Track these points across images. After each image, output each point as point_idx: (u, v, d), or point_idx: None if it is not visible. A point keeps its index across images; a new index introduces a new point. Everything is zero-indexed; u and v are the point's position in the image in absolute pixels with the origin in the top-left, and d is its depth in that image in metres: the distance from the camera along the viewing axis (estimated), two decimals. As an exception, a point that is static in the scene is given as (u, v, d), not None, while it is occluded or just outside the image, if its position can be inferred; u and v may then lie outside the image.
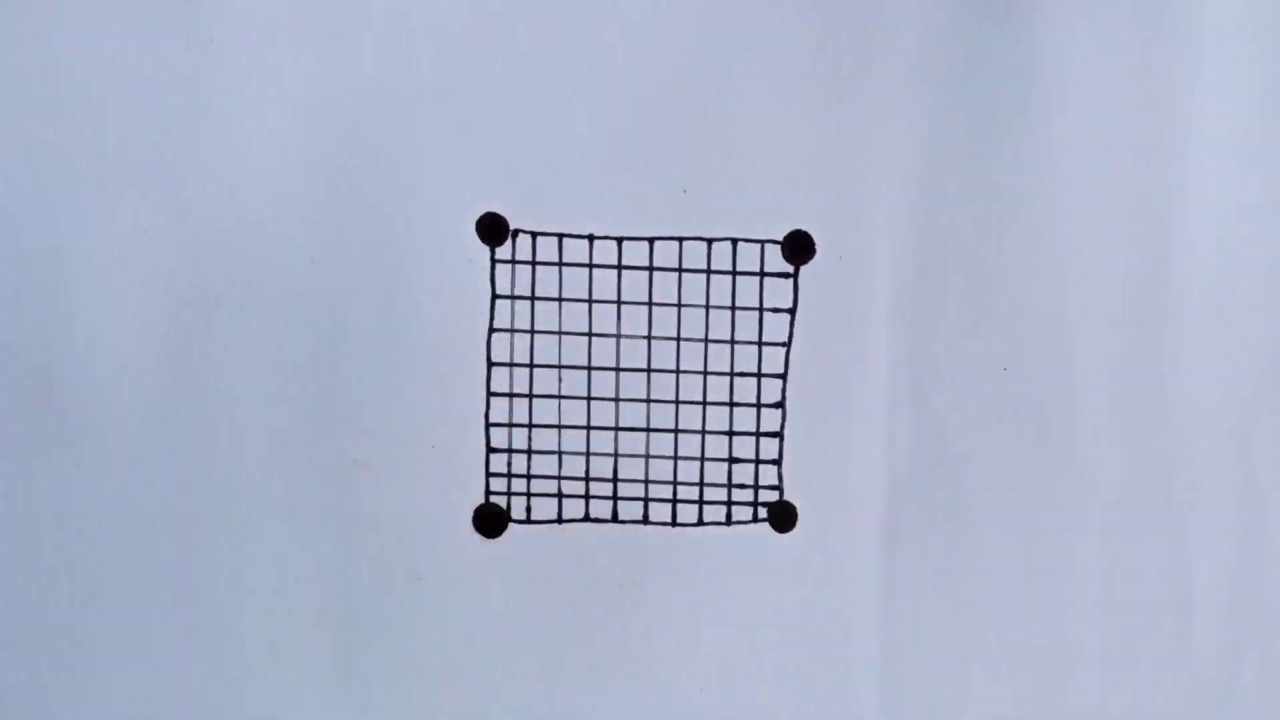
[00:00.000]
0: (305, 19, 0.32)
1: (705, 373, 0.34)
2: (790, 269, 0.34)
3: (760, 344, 0.34)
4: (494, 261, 0.33)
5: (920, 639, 0.35)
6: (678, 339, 0.33)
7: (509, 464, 0.33)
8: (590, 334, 0.33)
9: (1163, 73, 0.34)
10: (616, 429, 0.33)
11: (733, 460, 0.34)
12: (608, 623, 0.34)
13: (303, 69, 0.32)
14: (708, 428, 0.34)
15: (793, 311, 0.34)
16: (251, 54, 0.32)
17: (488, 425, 0.33)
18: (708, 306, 0.33)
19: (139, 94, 0.32)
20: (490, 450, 0.33)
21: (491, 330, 0.33)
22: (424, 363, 0.33)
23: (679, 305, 0.33)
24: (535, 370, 0.33)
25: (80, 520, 0.33)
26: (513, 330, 0.33)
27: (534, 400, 0.33)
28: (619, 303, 0.33)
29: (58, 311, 0.32)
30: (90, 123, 0.32)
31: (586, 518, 0.34)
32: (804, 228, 0.33)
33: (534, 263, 0.33)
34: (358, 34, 0.32)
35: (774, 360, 0.34)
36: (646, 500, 0.34)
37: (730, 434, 0.34)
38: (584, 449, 0.33)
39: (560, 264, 0.33)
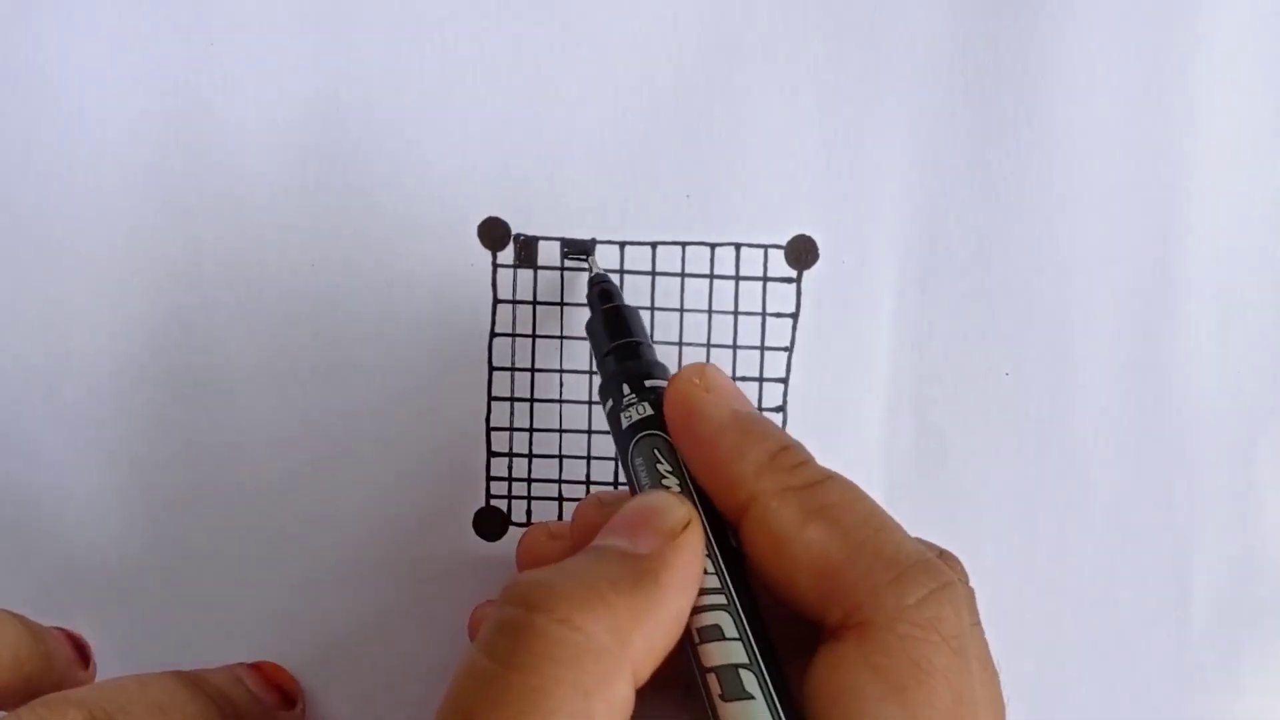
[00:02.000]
0: (306, 22, 0.32)
1: (707, 377, 0.33)
2: (793, 274, 0.33)
3: (762, 349, 0.34)
4: (495, 266, 0.33)
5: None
6: (680, 344, 0.33)
7: (509, 467, 0.33)
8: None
9: (1170, 80, 0.34)
10: (618, 433, 0.33)
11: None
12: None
13: (303, 72, 0.32)
14: (709, 431, 0.34)
15: (795, 316, 0.34)
16: (251, 56, 0.32)
17: (489, 429, 0.33)
18: (710, 311, 0.33)
19: (138, 95, 0.32)
20: (491, 454, 0.33)
21: (493, 335, 0.33)
22: (425, 367, 0.33)
23: (681, 310, 0.33)
24: (537, 374, 0.33)
25: (79, 520, 0.33)
26: (514, 335, 0.33)
27: (535, 404, 0.33)
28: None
29: (58, 312, 0.32)
30: (89, 124, 0.32)
31: (587, 520, 0.34)
32: (807, 233, 0.33)
33: (536, 267, 0.33)
34: (359, 37, 0.32)
35: (776, 365, 0.34)
36: (647, 503, 0.34)
37: (731, 437, 0.34)
38: (585, 453, 0.33)
39: (562, 269, 0.33)
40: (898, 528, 0.24)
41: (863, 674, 0.21)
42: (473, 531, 0.33)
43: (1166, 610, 0.35)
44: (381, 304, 0.32)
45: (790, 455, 0.24)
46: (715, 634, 0.23)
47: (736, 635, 0.23)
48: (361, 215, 0.32)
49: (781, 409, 0.34)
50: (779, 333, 0.34)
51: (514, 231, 0.33)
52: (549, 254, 0.33)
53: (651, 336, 0.33)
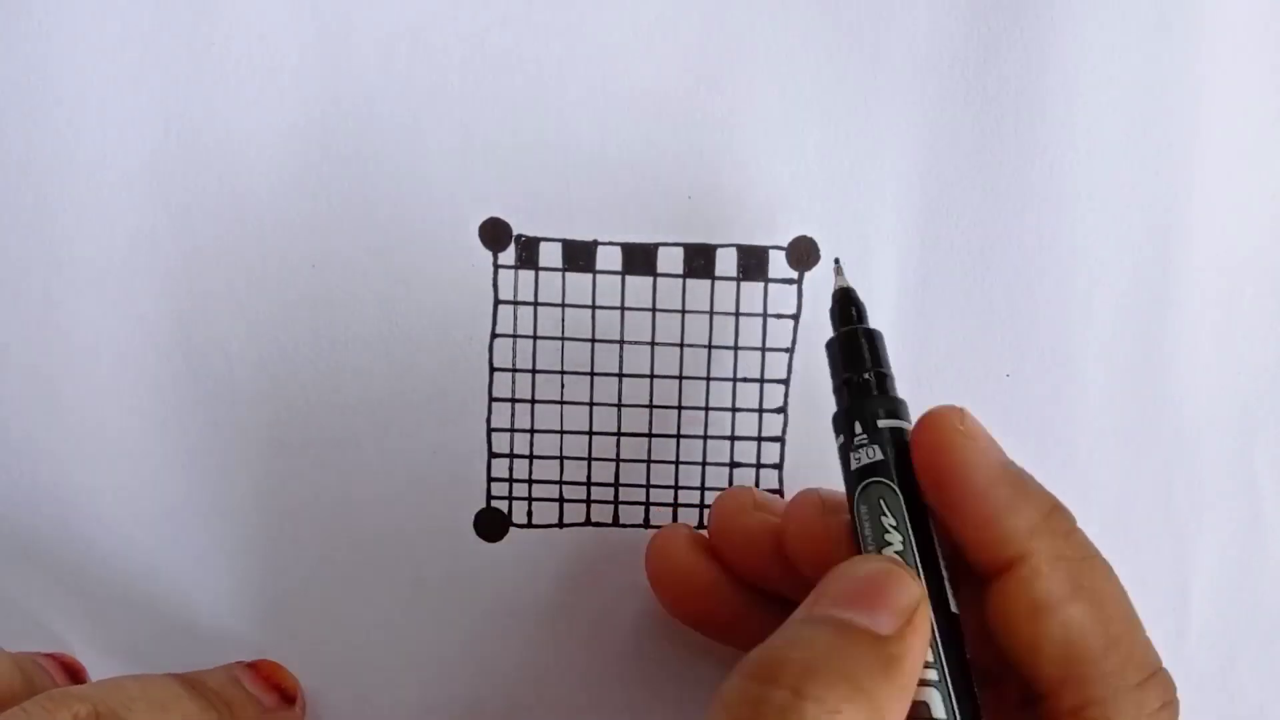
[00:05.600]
0: (307, 22, 0.32)
1: (708, 378, 0.34)
2: (794, 275, 0.33)
3: (763, 349, 0.34)
4: (497, 267, 0.33)
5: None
6: (680, 344, 0.33)
7: (510, 468, 0.33)
8: (593, 339, 0.33)
9: (1170, 81, 0.34)
10: (619, 434, 0.33)
11: (734, 465, 0.34)
12: (609, 625, 0.34)
13: (305, 72, 0.32)
14: (710, 433, 0.34)
15: (796, 317, 0.34)
16: (252, 57, 0.32)
17: (489, 430, 0.33)
18: (711, 313, 0.33)
19: (139, 96, 0.32)
20: (492, 455, 0.33)
21: (494, 335, 0.33)
22: (426, 368, 0.33)
23: (682, 311, 0.33)
24: (538, 375, 0.33)
25: (80, 520, 0.33)
26: (515, 336, 0.33)
27: (536, 405, 0.33)
28: (622, 308, 0.33)
29: (58, 313, 0.32)
30: (90, 124, 0.31)
31: (588, 521, 0.34)
32: (808, 234, 0.33)
33: (537, 268, 0.33)
34: (360, 37, 0.32)
35: (777, 366, 0.34)
36: (648, 504, 0.34)
37: (732, 439, 0.34)
38: (586, 454, 0.33)
39: (564, 269, 0.33)
40: (1144, 628, 0.24)
41: None
42: (474, 532, 0.33)
43: (1165, 611, 0.35)
44: (382, 305, 0.32)
45: (1063, 519, 0.25)
46: (923, 711, 0.23)
47: (944, 716, 0.23)
48: (362, 216, 0.32)
49: (783, 410, 0.34)
50: (780, 334, 0.34)
51: (515, 232, 0.33)
52: (550, 255, 0.33)
53: (653, 338, 0.33)
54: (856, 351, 0.27)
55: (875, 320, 0.34)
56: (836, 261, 0.31)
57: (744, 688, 0.22)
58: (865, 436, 0.25)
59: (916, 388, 0.34)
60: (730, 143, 0.33)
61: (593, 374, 0.33)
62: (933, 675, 0.23)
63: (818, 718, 0.21)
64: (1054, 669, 0.23)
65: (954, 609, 0.24)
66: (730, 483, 0.34)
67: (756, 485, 0.34)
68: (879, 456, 0.25)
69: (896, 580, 0.24)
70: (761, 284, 0.33)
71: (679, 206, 0.33)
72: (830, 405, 0.34)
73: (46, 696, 0.26)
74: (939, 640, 0.23)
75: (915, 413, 0.27)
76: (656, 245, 0.33)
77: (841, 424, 0.26)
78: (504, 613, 0.33)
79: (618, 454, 0.33)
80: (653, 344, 0.33)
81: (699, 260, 0.33)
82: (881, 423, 0.26)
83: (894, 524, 0.25)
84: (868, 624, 0.23)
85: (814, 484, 0.34)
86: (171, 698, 0.28)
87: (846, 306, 0.28)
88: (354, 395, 0.32)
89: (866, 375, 0.27)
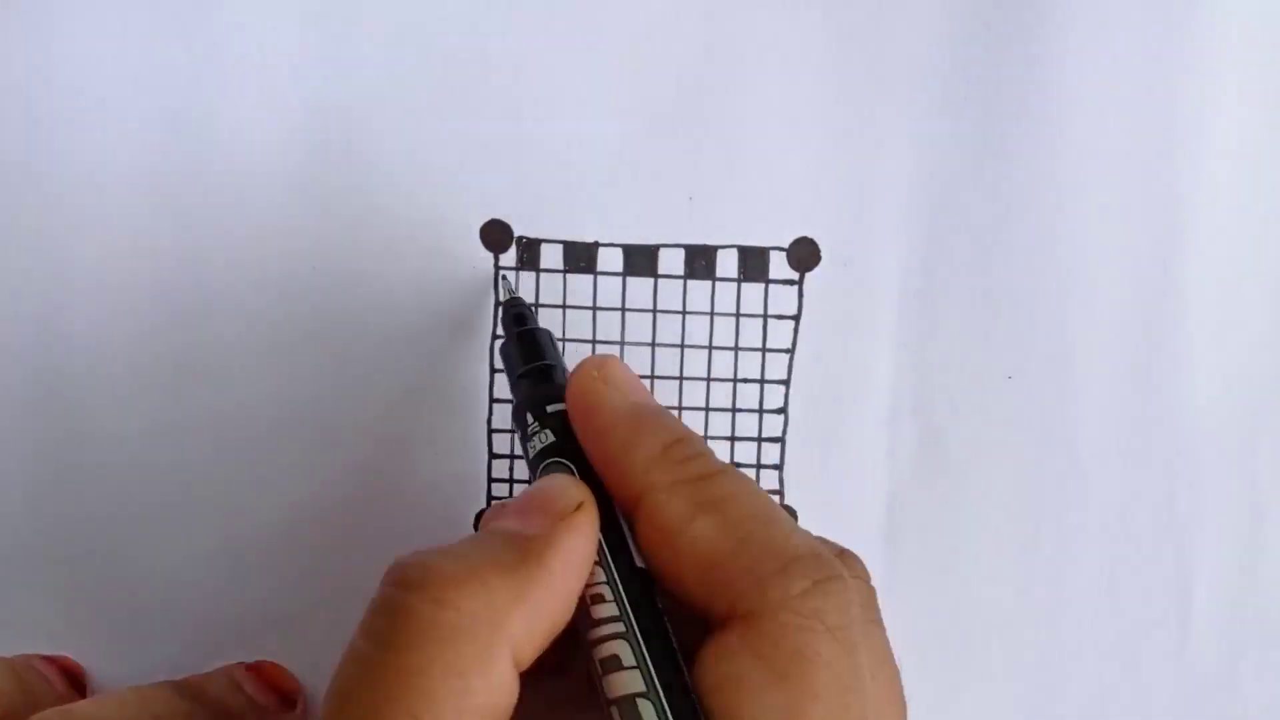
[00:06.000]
0: (308, 24, 0.32)
1: (709, 379, 0.34)
2: (795, 276, 0.33)
3: (764, 350, 0.34)
4: (498, 268, 0.33)
5: (918, 644, 0.35)
6: (681, 345, 0.33)
7: (511, 469, 0.33)
8: (594, 340, 0.33)
9: (1171, 82, 0.34)
10: (619, 435, 0.33)
11: (734, 465, 0.34)
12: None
13: (306, 74, 0.32)
14: (710, 433, 0.34)
15: (797, 318, 0.34)
16: (254, 58, 0.32)
17: (490, 430, 0.33)
18: (712, 314, 0.33)
19: (140, 97, 0.32)
20: (492, 455, 0.33)
21: (495, 337, 0.33)
22: (427, 369, 0.33)
23: (683, 312, 0.33)
24: (538, 376, 0.33)
25: (81, 521, 0.33)
26: (516, 337, 0.33)
27: (537, 406, 0.33)
28: (623, 310, 0.33)
29: (59, 315, 0.32)
30: (91, 126, 0.31)
31: (588, 522, 0.34)
32: (809, 235, 0.33)
33: (538, 269, 0.33)
34: (361, 39, 0.32)
35: (777, 367, 0.34)
36: (648, 505, 0.34)
37: (732, 439, 0.34)
38: (586, 455, 0.33)
39: (564, 271, 0.33)
40: (789, 521, 0.24)
41: (745, 662, 0.21)
42: (474, 533, 0.33)
43: (1167, 613, 0.35)
44: (383, 307, 0.32)
45: (683, 447, 0.24)
46: (615, 665, 0.22)
47: (634, 663, 0.22)
48: (363, 218, 0.32)
49: (783, 411, 0.34)
50: (781, 335, 0.34)
51: (516, 234, 0.33)
52: (551, 256, 0.33)
53: (654, 339, 0.33)
54: (523, 350, 0.29)
55: (876, 321, 0.34)
56: (504, 277, 0.32)
57: (379, 591, 0.21)
58: (537, 424, 0.26)
59: (918, 390, 0.34)
60: (731, 144, 0.33)
61: (593, 375, 0.33)
62: (620, 628, 0.22)
63: (420, 608, 0.20)
64: (698, 587, 0.22)
65: (639, 563, 0.24)
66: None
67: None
68: (551, 439, 0.26)
69: (553, 487, 0.23)
70: (762, 285, 0.33)
71: (680, 208, 0.33)
72: (832, 404, 0.34)
73: (40, 718, 0.25)
74: (623, 594, 0.23)
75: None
76: (657, 247, 0.33)
77: (518, 416, 0.27)
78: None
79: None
80: (653, 345, 0.33)
81: (700, 261, 0.33)
82: (550, 408, 0.26)
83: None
84: (514, 527, 0.22)
85: (816, 486, 0.34)
86: (170, 710, 0.28)
87: (518, 311, 0.30)
88: (355, 396, 0.32)
89: (534, 368, 0.28)
